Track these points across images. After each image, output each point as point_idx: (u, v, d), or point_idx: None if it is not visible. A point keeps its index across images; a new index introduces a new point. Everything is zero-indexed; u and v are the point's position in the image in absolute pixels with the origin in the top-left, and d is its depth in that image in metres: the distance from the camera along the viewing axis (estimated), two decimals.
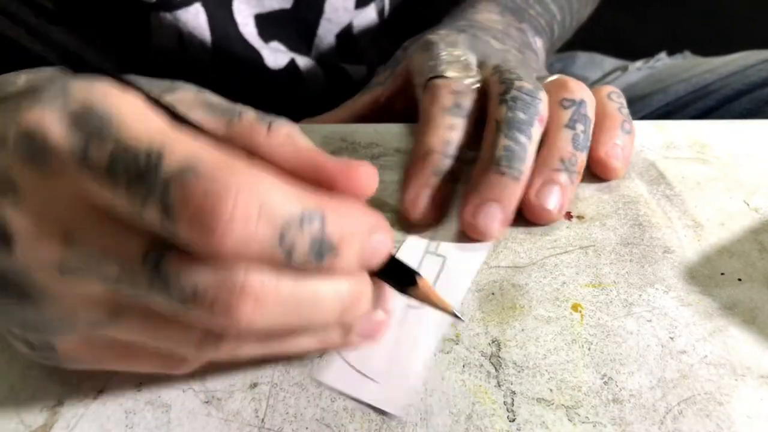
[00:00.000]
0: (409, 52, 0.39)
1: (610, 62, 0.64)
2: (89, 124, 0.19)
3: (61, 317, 0.21)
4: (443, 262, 0.30)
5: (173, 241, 0.19)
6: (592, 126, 0.33)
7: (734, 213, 0.32)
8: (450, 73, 0.33)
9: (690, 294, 0.28)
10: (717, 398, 0.24)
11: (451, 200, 0.31)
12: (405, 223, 0.31)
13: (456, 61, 0.34)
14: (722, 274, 0.29)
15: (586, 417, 0.24)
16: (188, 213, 0.18)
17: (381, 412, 0.24)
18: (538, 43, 0.45)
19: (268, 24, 0.46)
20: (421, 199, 0.31)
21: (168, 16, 0.42)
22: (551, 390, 0.24)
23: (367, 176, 0.22)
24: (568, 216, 0.32)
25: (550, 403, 0.24)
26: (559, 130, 0.32)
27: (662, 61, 0.61)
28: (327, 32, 0.49)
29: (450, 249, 0.30)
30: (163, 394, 0.24)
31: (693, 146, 0.37)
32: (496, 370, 0.25)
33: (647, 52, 0.61)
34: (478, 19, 0.42)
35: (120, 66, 0.49)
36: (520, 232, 0.31)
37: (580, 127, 0.32)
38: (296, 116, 0.43)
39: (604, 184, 0.34)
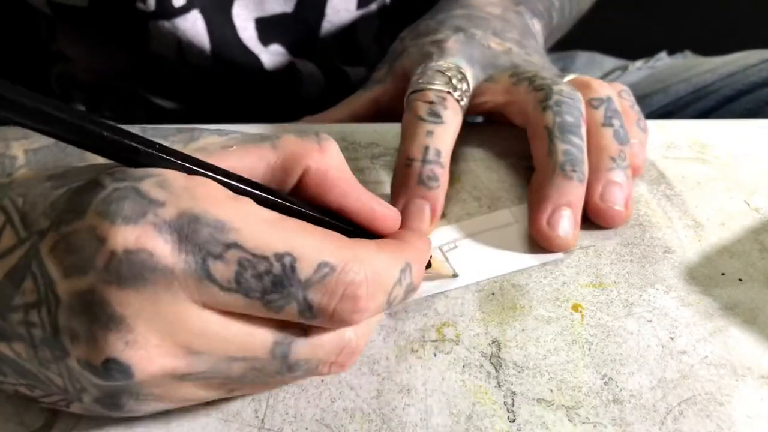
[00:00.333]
0: (407, 49, 0.39)
1: (610, 62, 0.64)
2: (200, 236, 0.18)
3: (173, 407, 0.22)
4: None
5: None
6: (624, 117, 0.33)
7: (734, 213, 0.32)
8: (431, 85, 0.33)
9: (690, 294, 0.28)
10: (717, 398, 0.24)
11: (443, 204, 0.31)
12: None
13: (439, 70, 0.34)
14: (723, 274, 0.29)
15: (587, 417, 0.24)
16: (329, 311, 0.20)
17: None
18: (537, 26, 0.44)
19: (269, 27, 0.46)
20: (408, 211, 0.30)
21: (166, 24, 0.42)
22: (551, 390, 0.24)
23: (397, 222, 0.25)
24: None
25: (551, 403, 0.24)
26: (599, 130, 0.32)
27: (662, 60, 0.60)
28: (328, 34, 0.49)
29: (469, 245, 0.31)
30: None
31: (693, 146, 0.37)
32: (497, 370, 0.25)
33: (647, 52, 0.61)
34: (474, 5, 0.41)
35: (123, 73, 0.49)
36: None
37: (616, 122, 0.32)
38: (296, 120, 0.43)
39: None
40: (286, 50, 0.48)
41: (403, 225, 0.29)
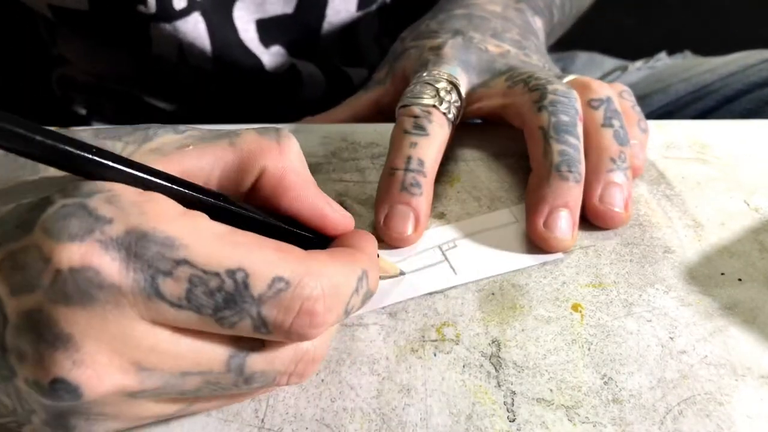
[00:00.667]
0: (407, 50, 0.39)
1: (610, 62, 0.64)
2: (148, 252, 0.18)
3: (129, 426, 0.21)
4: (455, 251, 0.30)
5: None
6: (624, 118, 0.33)
7: (734, 213, 0.32)
8: (418, 100, 0.33)
9: (690, 294, 0.28)
10: (717, 398, 0.24)
11: (427, 214, 0.31)
12: None
13: (427, 82, 0.34)
14: (722, 274, 0.29)
15: (586, 417, 0.24)
16: (286, 327, 0.19)
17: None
18: (538, 23, 0.44)
19: (269, 29, 0.46)
20: (391, 217, 0.30)
21: (167, 26, 0.42)
22: (551, 390, 0.24)
23: (349, 227, 0.25)
24: None
25: (550, 403, 0.24)
26: (599, 130, 0.32)
27: (662, 60, 0.60)
28: (329, 35, 0.49)
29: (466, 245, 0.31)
30: None
31: (693, 146, 0.37)
32: (496, 370, 0.25)
33: (647, 52, 0.61)
34: (475, 3, 0.41)
35: (124, 75, 0.49)
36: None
37: (616, 123, 0.32)
38: (297, 120, 0.43)
39: None
40: (286, 51, 0.48)
41: (386, 231, 0.30)
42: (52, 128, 0.18)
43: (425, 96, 0.33)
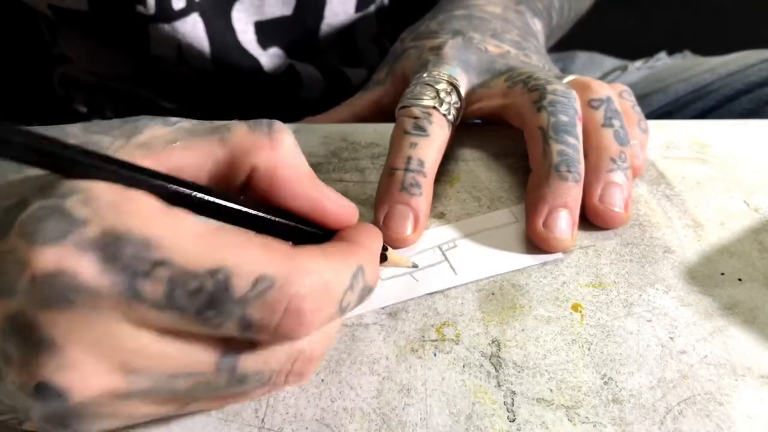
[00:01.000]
0: (407, 50, 0.39)
1: (609, 62, 0.64)
2: (125, 254, 0.17)
3: (127, 423, 0.21)
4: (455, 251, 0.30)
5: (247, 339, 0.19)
6: (624, 118, 0.33)
7: (734, 213, 0.32)
8: (418, 101, 0.33)
9: (690, 294, 0.28)
10: (717, 398, 0.24)
11: (427, 214, 0.31)
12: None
13: (427, 83, 0.34)
14: (722, 274, 0.29)
15: (586, 417, 0.24)
16: (272, 327, 0.19)
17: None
18: (538, 25, 0.44)
19: (268, 31, 0.46)
20: (390, 217, 0.30)
21: (166, 27, 0.42)
22: (551, 390, 0.24)
23: (352, 218, 0.24)
24: None
25: (550, 403, 0.24)
26: (599, 130, 0.32)
27: (662, 60, 0.60)
28: (327, 36, 0.49)
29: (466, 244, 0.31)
30: None
31: (693, 146, 0.37)
32: (496, 370, 0.25)
33: (647, 52, 0.61)
34: (475, 4, 0.41)
35: (124, 75, 0.49)
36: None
37: (617, 123, 0.32)
38: (297, 121, 0.43)
39: None
40: (285, 53, 0.48)
41: (386, 231, 0.29)
42: (34, 127, 0.18)
43: (425, 97, 0.33)
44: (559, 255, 0.30)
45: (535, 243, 0.30)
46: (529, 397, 0.24)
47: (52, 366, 0.17)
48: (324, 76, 0.50)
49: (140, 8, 0.41)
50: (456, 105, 0.34)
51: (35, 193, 0.18)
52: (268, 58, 0.47)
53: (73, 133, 0.21)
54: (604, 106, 0.32)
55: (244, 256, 0.18)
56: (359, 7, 0.49)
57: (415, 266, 0.29)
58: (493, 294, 0.28)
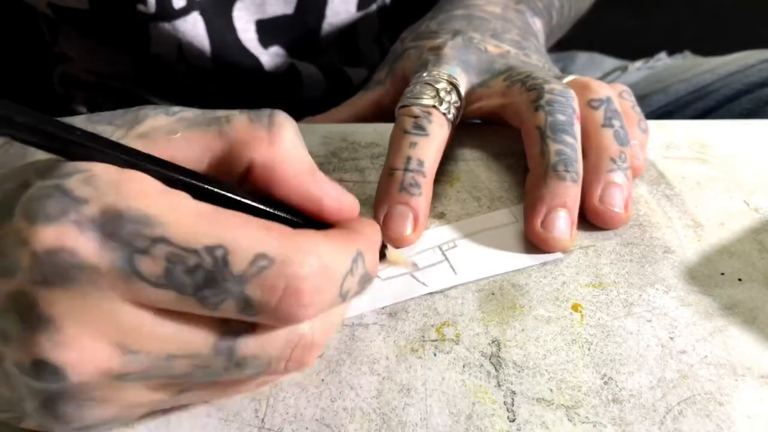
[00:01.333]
0: (407, 50, 0.39)
1: (610, 62, 0.64)
2: (124, 232, 0.17)
3: (123, 415, 0.21)
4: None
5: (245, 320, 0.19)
6: (624, 118, 0.33)
7: (734, 213, 0.32)
8: (418, 100, 0.33)
9: (690, 294, 0.28)
10: (717, 398, 0.24)
11: (426, 214, 0.31)
12: None
13: (428, 83, 0.34)
14: (722, 274, 0.29)
15: (586, 417, 0.24)
16: (271, 307, 0.18)
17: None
18: (538, 24, 0.44)
19: (269, 29, 0.46)
20: (390, 217, 0.30)
21: (166, 26, 0.42)
22: (551, 390, 0.24)
23: (351, 214, 0.23)
24: None
25: (550, 403, 0.24)
26: (599, 131, 0.32)
27: (662, 61, 0.60)
28: (329, 36, 0.49)
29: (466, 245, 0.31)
30: None
31: (693, 146, 0.37)
32: (496, 370, 0.25)
33: (647, 52, 0.61)
34: (475, 4, 0.41)
35: (124, 74, 0.49)
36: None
37: (617, 123, 0.32)
38: (298, 120, 0.44)
39: None
40: (286, 52, 0.48)
41: (385, 231, 0.29)
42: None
43: (425, 96, 0.33)
44: (558, 255, 0.30)
45: (533, 243, 0.30)
46: (529, 397, 0.24)
47: (50, 343, 0.17)
48: (325, 76, 0.50)
49: (141, 7, 0.41)
50: (456, 104, 0.34)
51: (35, 174, 0.18)
52: (269, 56, 0.47)
53: (77, 123, 0.21)
54: (604, 106, 0.32)
55: (243, 234, 0.18)
56: (360, 6, 0.49)
57: (414, 266, 0.29)
58: (493, 294, 0.28)
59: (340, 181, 0.34)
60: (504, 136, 0.36)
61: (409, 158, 0.31)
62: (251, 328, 0.20)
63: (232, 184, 0.21)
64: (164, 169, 0.19)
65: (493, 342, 0.26)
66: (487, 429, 0.23)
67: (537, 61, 0.38)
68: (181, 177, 0.20)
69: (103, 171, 0.18)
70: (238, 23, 0.45)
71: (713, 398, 0.24)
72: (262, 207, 0.21)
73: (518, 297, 0.28)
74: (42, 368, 0.18)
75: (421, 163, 0.31)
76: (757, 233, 0.31)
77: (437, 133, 0.32)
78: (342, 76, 0.51)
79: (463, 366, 0.25)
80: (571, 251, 0.30)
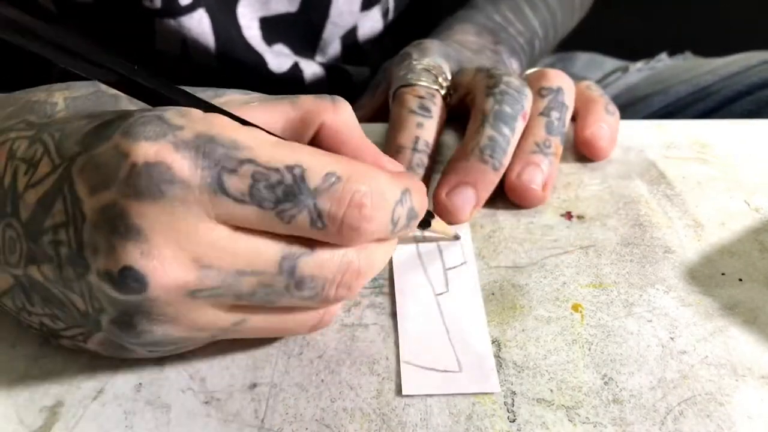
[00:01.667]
0: (388, 69, 0.40)
1: (610, 63, 0.64)
2: (216, 152, 0.20)
3: (186, 337, 0.22)
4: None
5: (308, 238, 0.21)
6: (569, 112, 0.34)
7: (735, 213, 0.32)
8: (420, 82, 0.34)
9: (690, 294, 0.28)
10: (718, 399, 0.24)
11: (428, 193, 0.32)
12: None
13: (426, 69, 0.35)
14: (723, 274, 0.29)
15: (587, 417, 0.24)
16: (339, 218, 0.21)
17: (469, 395, 0.24)
18: (514, 65, 0.46)
19: (273, 27, 0.46)
20: None
21: (172, 22, 0.42)
22: (551, 390, 0.24)
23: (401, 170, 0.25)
24: (569, 216, 0.32)
25: (551, 403, 0.24)
26: (534, 118, 0.33)
27: (663, 61, 0.60)
28: (332, 35, 0.49)
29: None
30: (162, 394, 0.24)
31: (693, 146, 0.37)
32: (497, 370, 0.25)
33: (648, 53, 0.61)
34: (455, 39, 0.43)
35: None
36: (520, 232, 0.31)
37: (555, 114, 0.33)
38: None
39: (604, 184, 0.34)
40: (290, 50, 0.48)
41: None
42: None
43: (424, 79, 0.34)
44: (454, 230, 0.30)
45: (436, 209, 0.31)
46: (529, 398, 0.24)
47: (137, 253, 0.19)
48: (327, 74, 0.50)
49: (146, 3, 0.41)
50: (451, 91, 0.35)
51: (132, 110, 0.21)
52: (273, 54, 0.47)
53: None
54: (551, 96, 0.33)
55: (316, 156, 0.21)
56: (364, 6, 0.49)
57: (456, 238, 0.30)
58: (493, 294, 0.28)
59: None
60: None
61: (417, 138, 0.32)
62: (311, 250, 0.22)
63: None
64: (241, 122, 0.22)
65: (493, 342, 0.26)
66: (487, 429, 0.23)
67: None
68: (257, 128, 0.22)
69: (193, 110, 0.21)
70: (242, 20, 0.45)
71: (714, 398, 0.24)
72: None
73: (518, 297, 0.28)
74: (128, 275, 0.19)
75: (427, 144, 0.32)
76: (758, 233, 0.31)
77: (439, 116, 0.33)
78: (344, 75, 0.51)
79: None
80: (571, 251, 0.30)
